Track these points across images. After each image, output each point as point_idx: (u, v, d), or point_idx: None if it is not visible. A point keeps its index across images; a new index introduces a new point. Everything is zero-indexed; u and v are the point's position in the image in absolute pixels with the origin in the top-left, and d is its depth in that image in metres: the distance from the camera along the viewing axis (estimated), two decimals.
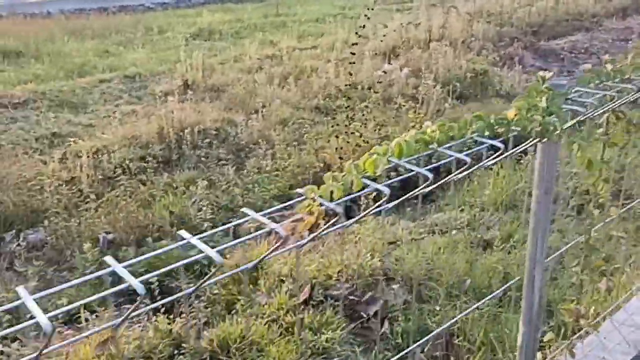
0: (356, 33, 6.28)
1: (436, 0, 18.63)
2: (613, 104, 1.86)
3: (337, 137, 5.50)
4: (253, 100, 7.37)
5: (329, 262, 3.54)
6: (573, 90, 1.98)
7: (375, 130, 6.01)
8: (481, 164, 1.68)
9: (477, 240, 3.86)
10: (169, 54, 10.97)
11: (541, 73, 1.65)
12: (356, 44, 6.31)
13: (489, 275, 3.47)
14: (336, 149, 5.50)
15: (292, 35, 12.48)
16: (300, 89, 8.01)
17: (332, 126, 6.11)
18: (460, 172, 1.53)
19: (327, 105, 7.24)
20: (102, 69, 9.87)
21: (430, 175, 1.39)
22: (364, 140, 5.52)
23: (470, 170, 1.49)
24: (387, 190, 1.41)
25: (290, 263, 3.54)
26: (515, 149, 1.77)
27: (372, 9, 6.32)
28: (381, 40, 9.82)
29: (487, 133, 1.51)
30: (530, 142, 1.65)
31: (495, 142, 1.51)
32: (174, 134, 6.04)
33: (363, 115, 5.98)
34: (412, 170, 1.42)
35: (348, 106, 7.07)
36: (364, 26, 6.30)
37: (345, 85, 7.97)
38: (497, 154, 1.58)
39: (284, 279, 3.39)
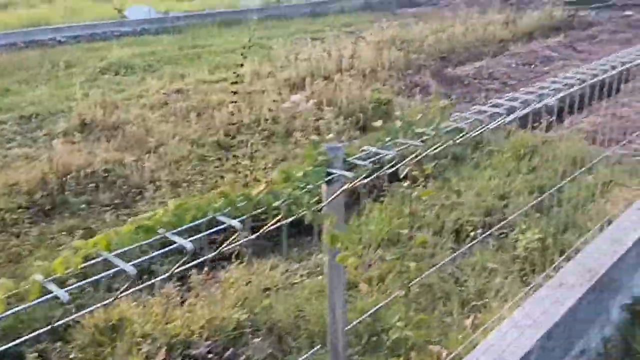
0: (235, 74, 6.24)
1: (353, 27, 19.07)
2: (390, 167, 1.80)
3: (222, 177, 5.36)
4: (150, 138, 7.14)
5: (194, 317, 3.36)
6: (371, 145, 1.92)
7: (269, 167, 5.91)
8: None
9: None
10: (71, 91, 10.56)
11: (314, 137, 1.57)
12: (236, 81, 6.23)
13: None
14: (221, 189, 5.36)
15: (205, 67, 12.32)
16: (204, 124, 7.85)
17: (220, 166, 5.99)
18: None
19: (227, 141, 7.09)
20: None
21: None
22: (255, 178, 5.40)
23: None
24: (189, 245, 1.29)
25: (153, 320, 3.33)
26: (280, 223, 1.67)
27: (250, 47, 6.33)
28: (283, 68, 9.84)
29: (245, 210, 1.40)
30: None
31: (235, 223, 1.40)
32: (57, 179, 5.72)
33: (254, 152, 5.86)
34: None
35: (245, 141, 6.98)
36: (242, 65, 6.35)
37: (248, 119, 7.93)
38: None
39: (143, 339, 3.18)
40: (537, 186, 5.32)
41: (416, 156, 1.95)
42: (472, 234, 4.48)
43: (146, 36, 18.28)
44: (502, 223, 4.39)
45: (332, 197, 1.54)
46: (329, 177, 1.48)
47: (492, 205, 4.97)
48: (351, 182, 1.67)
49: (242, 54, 6.05)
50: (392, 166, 1.86)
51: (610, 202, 4.75)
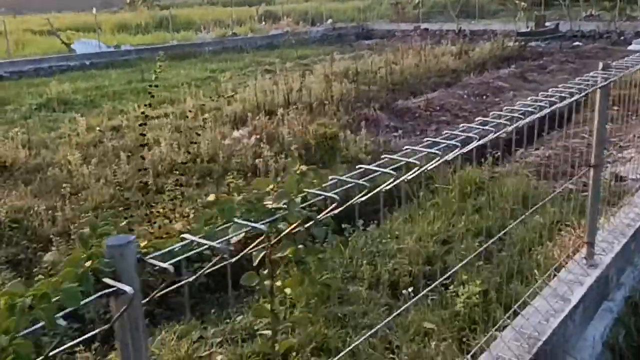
0: (150, 96, 5.83)
1: (309, 60, 18.87)
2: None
3: (131, 229, 4.83)
4: (73, 181, 6.57)
5: None
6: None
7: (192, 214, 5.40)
8: None
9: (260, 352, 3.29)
10: (4, 129, 9.90)
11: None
12: (145, 113, 5.79)
13: None
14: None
15: (149, 102, 11.79)
16: (136, 164, 7.31)
17: (143, 213, 5.47)
18: None
19: (158, 182, 6.57)
20: None
21: None
22: (180, 230, 4.88)
23: None
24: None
25: None
26: None
27: (156, 86, 5.93)
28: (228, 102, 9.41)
29: None
30: None
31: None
32: None
33: (175, 197, 5.36)
34: None
35: (176, 183, 6.48)
36: (152, 96, 5.94)
37: (185, 158, 7.42)
38: None
39: None
40: (483, 228, 4.94)
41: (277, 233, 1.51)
42: (409, 288, 4.05)
43: (94, 70, 17.72)
44: (445, 276, 3.98)
45: (115, 317, 1.08)
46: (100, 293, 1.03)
47: (433, 253, 4.57)
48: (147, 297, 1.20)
49: (149, 93, 5.62)
50: (215, 264, 1.41)
51: (558, 245, 4.40)
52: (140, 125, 5.84)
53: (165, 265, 1.13)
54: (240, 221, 1.34)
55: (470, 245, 4.65)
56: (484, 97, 12.38)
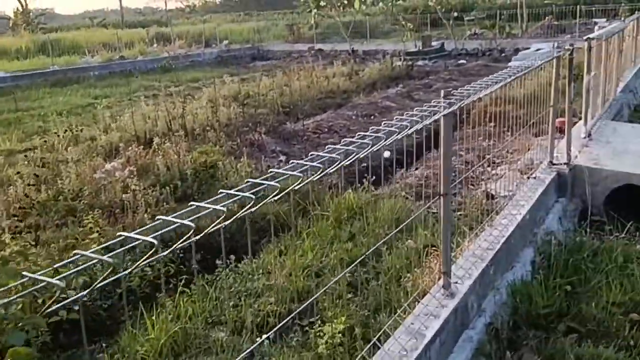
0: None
1: (201, 82, 18.43)
2: None
3: None
4: None
5: None
6: None
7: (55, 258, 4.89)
8: None
9: None
10: None
11: None
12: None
13: None
14: None
15: (17, 135, 10.93)
16: None
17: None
18: None
19: (13, 225, 5.94)
20: None
21: None
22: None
23: None
24: None
25: None
26: None
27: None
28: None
29: None
30: None
31: None
32: None
33: (27, 243, 4.83)
34: None
35: (34, 224, 5.92)
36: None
37: (47, 195, 6.81)
38: None
39: None
40: (355, 257, 4.82)
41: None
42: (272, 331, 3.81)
43: None
44: (314, 317, 3.78)
45: None
46: None
47: (302, 287, 4.37)
48: None
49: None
50: None
51: (427, 269, 4.35)
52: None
53: None
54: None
55: (342, 276, 4.50)
56: (372, 117, 12.55)
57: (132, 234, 2.19)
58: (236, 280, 4.55)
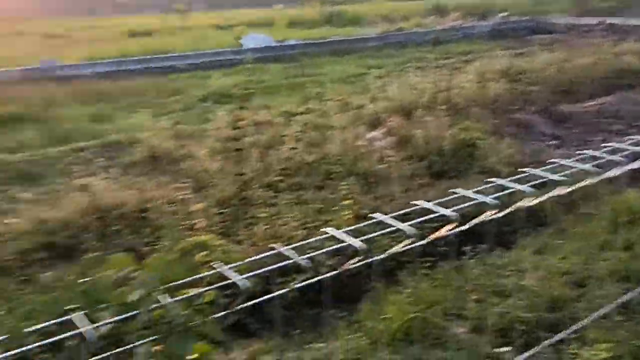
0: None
1: (471, 56, 17.80)
2: None
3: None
4: (202, 175, 6.76)
5: None
6: None
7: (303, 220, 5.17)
8: None
9: None
10: (166, 119, 10.64)
11: None
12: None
13: None
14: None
15: (296, 99, 11.95)
16: (265, 162, 7.31)
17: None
18: None
19: (284, 182, 6.49)
20: (85, 136, 9.64)
21: None
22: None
23: None
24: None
25: None
26: None
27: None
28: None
29: None
30: None
31: None
32: (82, 219, 5.48)
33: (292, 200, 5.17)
34: None
35: (297, 184, 6.35)
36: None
37: (314, 157, 7.28)
38: None
39: None
40: (633, 271, 4.03)
41: None
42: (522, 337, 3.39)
43: (258, 65, 18.45)
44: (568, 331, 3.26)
45: None
46: None
47: (559, 296, 3.80)
48: None
49: (242, 92, 5.39)
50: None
51: None
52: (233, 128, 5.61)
53: None
54: None
55: (611, 292, 3.80)
56: None
57: (429, 204, 1.98)
58: (483, 273, 4.19)
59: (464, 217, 4.65)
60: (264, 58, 19.15)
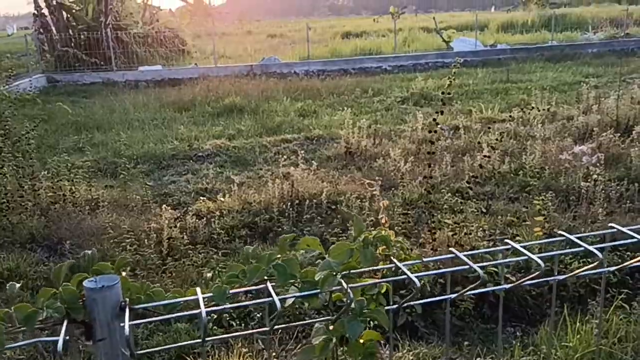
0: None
1: None
2: None
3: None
4: (394, 175, 6.92)
5: None
6: None
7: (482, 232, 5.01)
8: None
9: None
10: (366, 117, 11.07)
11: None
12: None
13: None
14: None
15: (500, 104, 11.51)
16: (457, 168, 7.22)
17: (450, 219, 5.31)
18: None
19: (466, 189, 6.35)
20: (292, 129, 10.45)
21: None
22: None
23: None
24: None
25: None
26: None
27: (449, 93, 5.39)
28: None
29: None
30: None
31: None
32: (281, 204, 5.99)
33: (478, 209, 5.05)
34: None
35: (486, 194, 6.18)
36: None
37: (508, 167, 6.99)
38: None
39: None
40: None
41: None
42: None
43: (465, 68, 18.11)
44: None
45: None
46: None
47: None
48: None
49: (442, 95, 5.24)
50: None
51: None
52: (429, 132, 5.57)
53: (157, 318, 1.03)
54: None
55: None
56: None
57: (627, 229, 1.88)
58: None
59: None
60: (472, 62, 18.77)
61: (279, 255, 1.29)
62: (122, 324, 1.04)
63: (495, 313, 4.20)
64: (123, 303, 1.08)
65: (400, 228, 5.33)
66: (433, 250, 4.54)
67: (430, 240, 4.71)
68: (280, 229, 5.68)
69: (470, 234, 4.99)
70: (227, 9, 46.40)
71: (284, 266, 1.24)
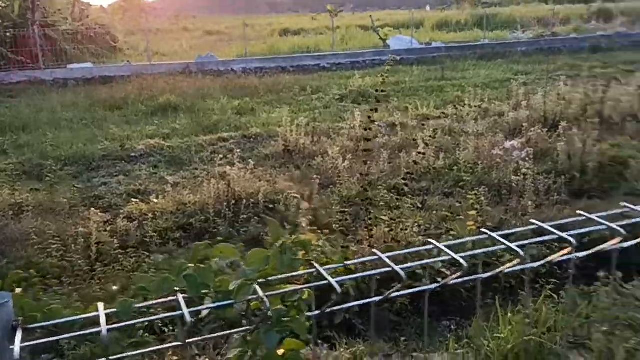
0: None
1: (636, 66, 16.24)
2: None
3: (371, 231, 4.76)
4: (330, 173, 6.90)
5: None
6: None
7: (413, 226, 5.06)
8: None
9: None
10: (305, 115, 11.01)
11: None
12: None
13: None
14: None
15: (433, 101, 11.74)
16: (393, 165, 7.29)
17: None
18: None
19: (401, 186, 6.43)
20: (230, 128, 10.28)
21: None
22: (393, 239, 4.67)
23: None
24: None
25: None
26: None
27: (383, 91, 5.48)
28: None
29: None
30: None
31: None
32: (217, 205, 5.86)
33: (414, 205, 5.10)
34: None
35: (422, 189, 6.25)
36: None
37: (443, 163, 7.12)
38: None
39: None
40: None
41: None
42: None
43: (401, 66, 18.39)
44: None
45: None
46: None
47: None
48: None
49: (377, 93, 5.31)
50: None
51: None
52: (365, 129, 5.62)
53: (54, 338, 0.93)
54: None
55: None
56: None
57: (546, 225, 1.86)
58: (617, 303, 3.82)
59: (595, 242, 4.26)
60: (408, 60, 19.07)
61: (190, 265, 1.21)
62: (11, 347, 0.93)
63: (432, 308, 4.25)
64: (15, 323, 0.98)
65: (337, 226, 5.32)
66: (370, 247, 4.54)
67: (368, 237, 4.71)
68: (216, 230, 5.56)
69: (407, 229, 5.04)
70: (162, 4, 45.31)
71: (195, 276, 1.16)
